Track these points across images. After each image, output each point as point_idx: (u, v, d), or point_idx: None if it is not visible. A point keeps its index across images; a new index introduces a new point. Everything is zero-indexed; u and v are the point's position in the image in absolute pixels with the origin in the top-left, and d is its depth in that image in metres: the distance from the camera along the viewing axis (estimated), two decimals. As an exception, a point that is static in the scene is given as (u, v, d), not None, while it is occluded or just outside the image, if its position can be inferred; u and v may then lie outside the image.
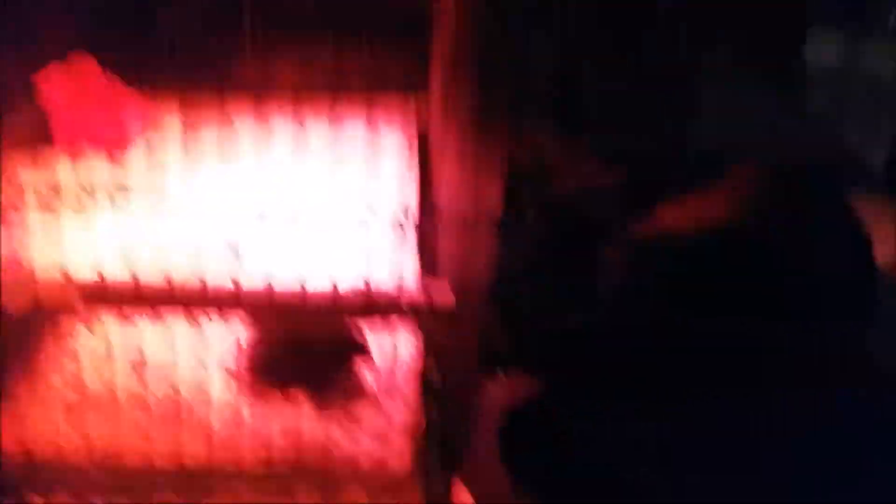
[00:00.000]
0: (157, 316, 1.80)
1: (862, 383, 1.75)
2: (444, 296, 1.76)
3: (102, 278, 1.62)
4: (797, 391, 1.68)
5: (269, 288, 1.72)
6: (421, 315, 1.71)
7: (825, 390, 1.68)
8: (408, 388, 1.99)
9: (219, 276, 1.78)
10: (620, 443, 1.76)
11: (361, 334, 2.00)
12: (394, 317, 1.73)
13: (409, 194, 2.09)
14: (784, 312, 1.67)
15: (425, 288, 1.75)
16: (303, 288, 1.72)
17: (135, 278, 1.68)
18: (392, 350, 2.04)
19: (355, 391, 2.02)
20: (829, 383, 1.70)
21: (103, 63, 2.39)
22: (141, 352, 2.05)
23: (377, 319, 1.80)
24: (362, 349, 2.00)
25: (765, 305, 1.66)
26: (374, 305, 1.73)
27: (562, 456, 1.84)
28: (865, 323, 1.75)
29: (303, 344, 1.95)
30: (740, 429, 1.65)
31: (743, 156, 1.74)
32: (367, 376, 2.02)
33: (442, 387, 1.80)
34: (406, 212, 1.93)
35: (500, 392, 1.96)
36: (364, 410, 1.99)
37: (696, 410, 1.65)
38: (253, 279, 1.82)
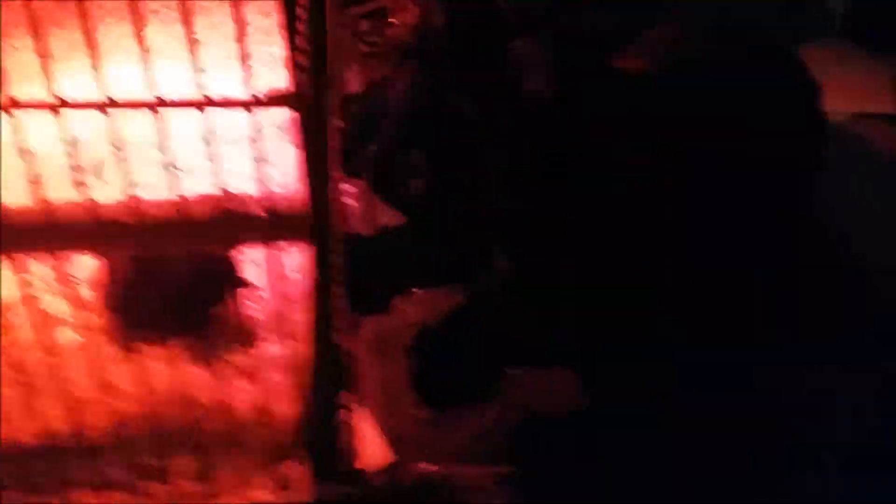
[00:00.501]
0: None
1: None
2: (344, 206, 1.50)
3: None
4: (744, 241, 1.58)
5: (132, 206, 1.34)
6: (316, 231, 1.36)
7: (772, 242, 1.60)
8: (297, 320, 1.68)
9: (74, 200, 1.43)
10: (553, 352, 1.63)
11: (237, 262, 1.70)
12: (282, 233, 1.36)
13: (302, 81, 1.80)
14: (727, 160, 1.53)
15: (321, 197, 1.40)
16: (172, 202, 1.34)
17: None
18: (279, 276, 1.71)
19: (234, 331, 1.73)
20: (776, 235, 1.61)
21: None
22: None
23: (260, 238, 1.44)
24: (239, 279, 1.72)
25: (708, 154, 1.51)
26: (258, 221, 1.38)
27: (483, 374, 1.70)
28: (814, 172, 1.67)
29: (170, 278, 1.64)
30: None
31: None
32: (248, 311, 1.74)
33: (343, 313, 1.49)
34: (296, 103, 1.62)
35: (412, 310, 1.78)
36: (245, 353, 1.71)
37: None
38: (114, 199, 1.50)
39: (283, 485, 1.48)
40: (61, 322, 1.72)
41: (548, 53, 1.46)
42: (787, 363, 1.66)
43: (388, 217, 1.76)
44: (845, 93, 2.19)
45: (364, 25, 2.31)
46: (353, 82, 2.16)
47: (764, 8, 1.77)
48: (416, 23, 1.97)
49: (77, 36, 2.21)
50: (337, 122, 1.66)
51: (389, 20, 2.23)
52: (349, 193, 1.77)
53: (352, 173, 1.73)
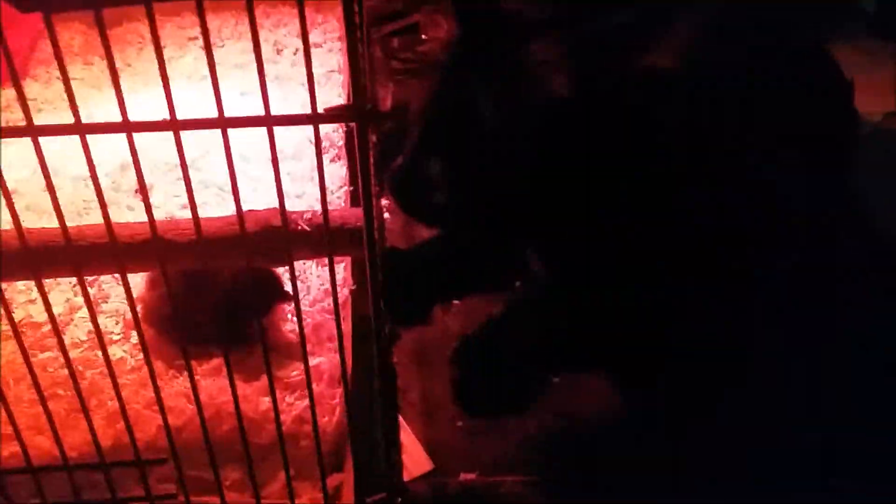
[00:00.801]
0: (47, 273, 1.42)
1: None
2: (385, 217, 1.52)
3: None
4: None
5: (183, 224, 1.36)
6: (360, 245, 1.37)
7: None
8: (341, 333, 1.69)
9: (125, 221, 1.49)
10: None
11: (282, 276, 1.72)
12: (329, 248, 1.38)
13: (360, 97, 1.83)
14: (761, 159, 1.52)
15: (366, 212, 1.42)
16: (223, 220, 1.37)
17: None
18: (324, 290, 1.74)
19: (279, 344, 1.76)
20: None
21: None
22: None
23: (309, 253, 1.46)
24: (284, 293, 1.72)
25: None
26: (306, 236, 1.40)
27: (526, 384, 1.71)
28: (846, 170, 1.66)
29: (216, 293, 1.65)
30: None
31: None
32: (294, 325, 1.76)
33: (385, 328, 1.50)
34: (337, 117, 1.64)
35: (453, 321, 1.79)
36: (290, 366, 1.73)
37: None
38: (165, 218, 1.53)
39: (330, 495, 1.49)
40: (109, 340, 1.77)
41: (568, 55, 1.43)
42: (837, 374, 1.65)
43: (425, 230, 1.77)
44: (877, 91, 2.18)
45: (395, 43, 2.33)
46: (387, 100, 2.18)
47: (792, 6, 1.75)
48: (447, 38, 1.98)
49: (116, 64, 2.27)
50: (373, 139, 1.68)
51: (422, 36, 2.24)
52: (387, 208, 1.78)
53: (384, 188, 1.74)
